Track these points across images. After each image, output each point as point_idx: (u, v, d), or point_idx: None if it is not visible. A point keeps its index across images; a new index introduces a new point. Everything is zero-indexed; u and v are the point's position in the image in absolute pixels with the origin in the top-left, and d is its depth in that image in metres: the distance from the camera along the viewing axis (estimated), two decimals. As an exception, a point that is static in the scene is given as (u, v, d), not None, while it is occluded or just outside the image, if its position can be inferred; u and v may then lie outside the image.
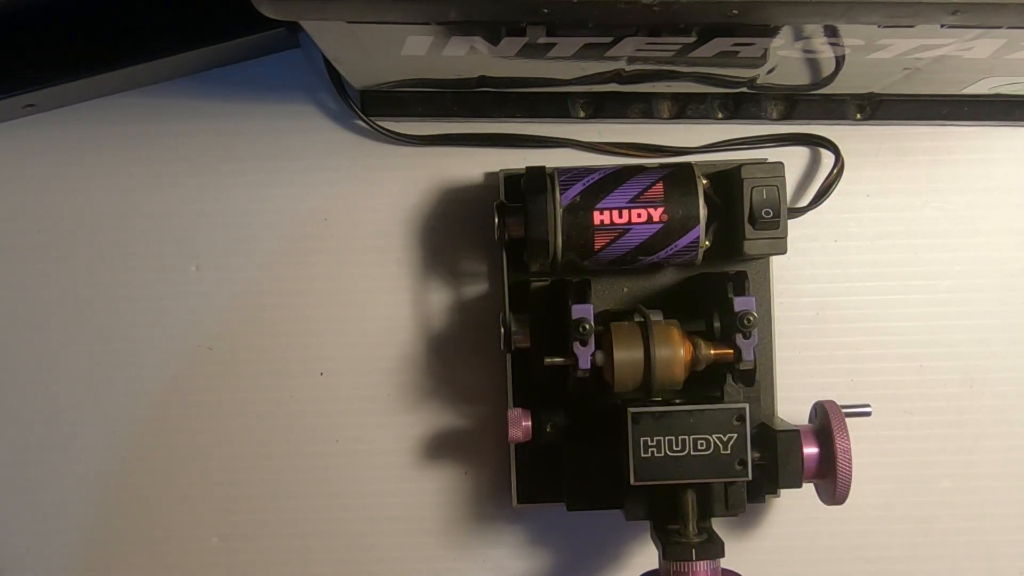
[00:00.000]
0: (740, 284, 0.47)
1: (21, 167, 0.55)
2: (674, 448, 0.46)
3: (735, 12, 0.36)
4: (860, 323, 0.55)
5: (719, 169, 0.50)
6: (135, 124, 0.55)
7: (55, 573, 0.56)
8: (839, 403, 0.50)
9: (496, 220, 0.50)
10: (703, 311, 0.49)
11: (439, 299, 0.55)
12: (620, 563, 0.56)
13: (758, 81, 0.50)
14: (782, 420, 0.53)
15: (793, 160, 0.55)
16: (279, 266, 0.55)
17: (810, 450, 0.49)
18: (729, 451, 0.46)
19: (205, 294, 0.55)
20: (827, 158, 0.55)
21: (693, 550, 0.46)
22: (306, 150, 0.55)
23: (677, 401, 0.47)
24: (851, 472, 0.48)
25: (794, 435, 0.49)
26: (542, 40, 0.41)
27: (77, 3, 0.50)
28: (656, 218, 0.48)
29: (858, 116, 0.55)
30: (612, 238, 0.48)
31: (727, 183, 0.49)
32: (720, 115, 0.54)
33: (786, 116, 0.54)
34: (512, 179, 0.52)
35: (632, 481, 0.46)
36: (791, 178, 0.55)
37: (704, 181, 0.49)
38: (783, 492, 0.54)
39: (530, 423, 0.50)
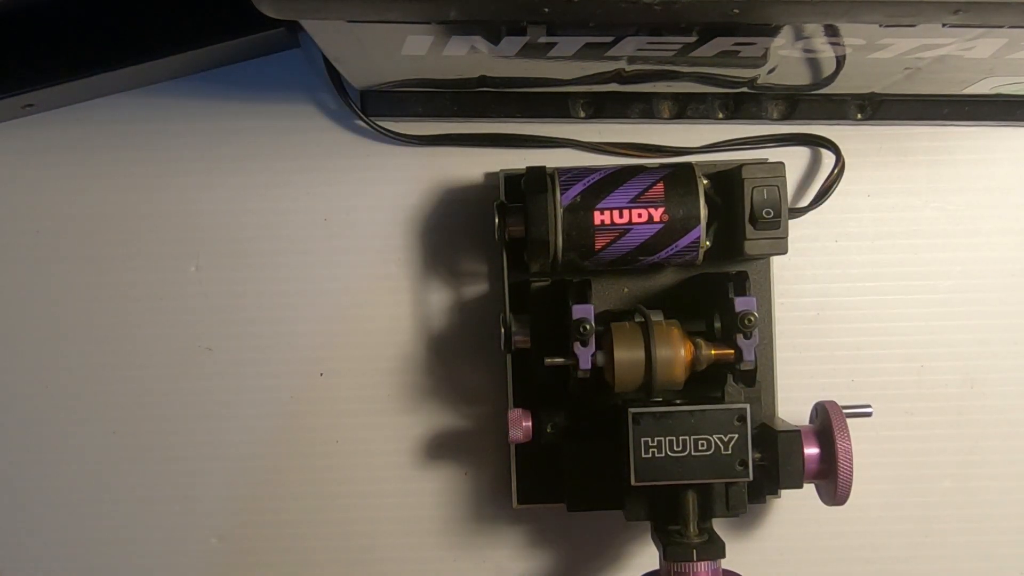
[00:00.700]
0: (741, 284, 0.47)
1: (21, 167, 0.55)
2: (675, 449, 0.46)
3: (736, 11, 0.36)
4: (861, 323, 0.55)
5: (720, 169, 0.50)
6: (135, 124, 0.55)
7: (55, 573, 0.56)
8: (840, 403, 0.50)
9: (496, 220, 0.49)
10: (704, 311, 0.49)
11: (439, 299, 0.55)
12: (621, 564, 0.56)
13: (759, 81, 0.50)
14: (783, 420, 0.53)
15: (794, 160, 0.55)
16: (278, 266, 0.55)
17: (811, 450, 0.49)
18: (730, 451, 0.46)
19: (205, 294, 0.55)
20: (828, 158, 0.55)
21: (694, 551, 0.46)
22: (306, 150, 0.55)
23: (678, 401, 0.47)
24: (852, 472, 0.48)
25: (795, 435, 0.49)
26: (542, 40, 0.41)
27: (77, 3, 0.50)
28: (657, 218, 0.48)
29: (859, 116, 0.55)
30: (613, 238, 0.48)
31: (728, 183, 0.49)
32: (721, 115, 0.54)
33: (787, 116, 0.54)
34: (512, 179, 0.52)
35: (633, 482, 0.46)
36: (792, 178, 0.55)
37: (705, 181, 0.49)
38: (784, 493, 0.54)
39: (530, 423, 0.50)
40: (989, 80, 0.49)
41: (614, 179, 0.49)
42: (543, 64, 0.46)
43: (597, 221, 0.48)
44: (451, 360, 0.55)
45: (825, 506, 0.51)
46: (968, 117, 0.54)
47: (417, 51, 0.44)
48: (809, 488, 0.51)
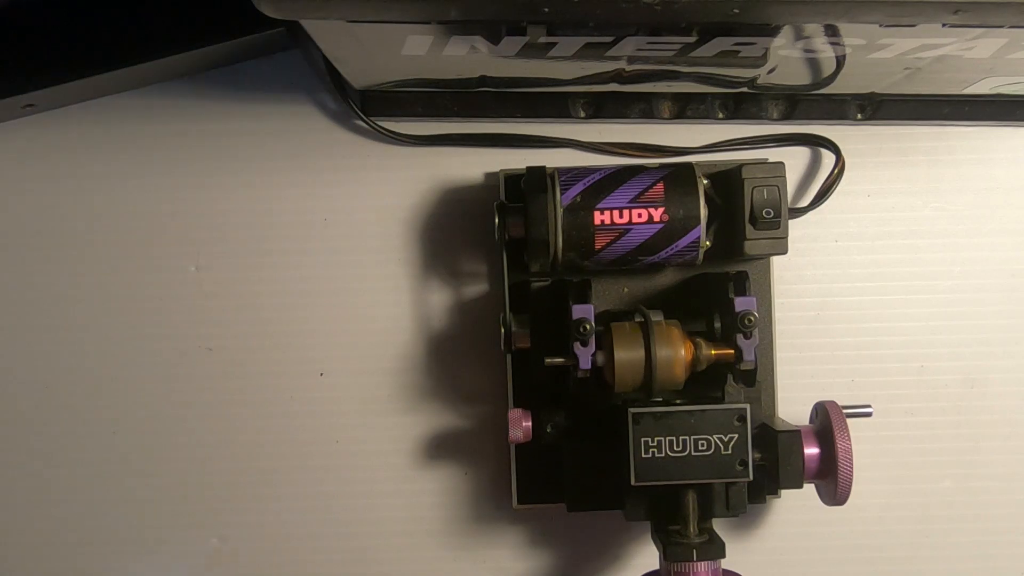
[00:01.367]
0: (741, 284, 0.47)
1: (21, 167, 0.55)
2: (675, 448, 0.46)
3: (736, 11, 0.36)
4: (861, 323, 0.55)
5: (720, 169, 0.50)
6: (135, 124, 0.55)
7: (55, 573, 0.56)
8: (840, 403, 0.50)
9: (496, 220, 0.49)
10: (704, 311, 0.49)
11: (439, 299, 0.55)
12: (620, 564, 0.56)
13: (759, 81, 0.50)
14: (783, 420, 0.53)
15: (794, 160, 0.55)
16: (279, 266, 0.55)
17: (811, 450, 0.49)
18: (730, 451, 0.46)
19: (205, 294, 0.55)
20: (828, 158, 0.55)
21: (694, 551, 0.46)
22: (306, 150, 0.55)
23: (678, 401, 0.47)
24: (852, 472, 0.48)
25: (795, 435, 0.49)
26: (542, 40, 0.41)
27: (77, 3, 0.50)
28: (657, 218, 0.48)
29: (859, 116, 0.55)
30: (613, 238, 0.48)
31: (728, 183, 0.49)
32: (721, 115, 0.54)
33: (787, 116, 0.54)
34: (512, 179, 0.52)
35: (633, 482, 0.46)
36: (792, 178, 0.55)
37: (705, 181, 0.49)
38: (784, 493, 0.54)
39: (530, 424, 0.50)
40: (989, 80, 0.49)
41: (614, 179, 0.49)
42: (543, 64, 0.46)
43: (597, 221, 0.48)
44: (451, 360, 0.55)
45: (825, 506, 0.51)
46: (968, 117, 0.54)
47: (417, 51, 0.44)
48: (809, 488, 0.51)
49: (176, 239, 0.55)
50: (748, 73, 0.49)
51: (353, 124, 0.55)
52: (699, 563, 0.46)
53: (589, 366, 0.46)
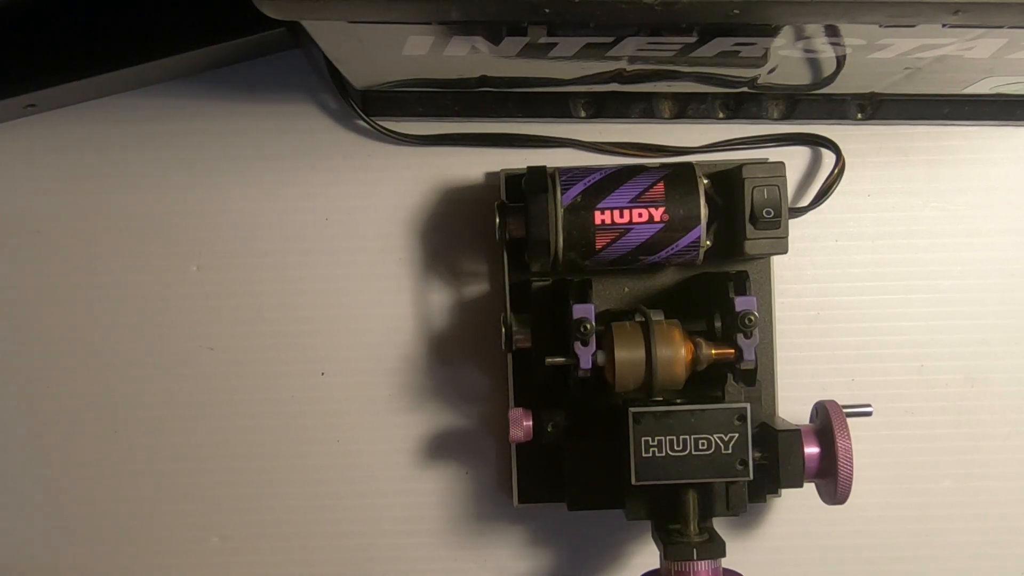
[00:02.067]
0: (741, 284, 0.47)
1: (21, 167, 0.55)
2: (675, 448, 0.46)
3: (736, 12, 0.36)
4: (861, 323, 0.55)
5: (720, 169, 0.50)
6: (135, 124, 0.55)
7: (55, 572, 0.56)
8: (840, 403, 0.50)
9: (497, 220, 0.49)
10: (704, 311, 0.49)
11: (440, 299, 0.55)
12: (621, 563, 0.56)
13: (759, 81, 0.50)
14: (783, 420, 0.53)
15: (794, 160, 0.55)
16: (279, 266, 0.55)
17: (811, 450, 0.49)
18: (730, 451, 0.46)
19: (205, 294, 0.55)
20: (828, 158, 0.55)
21: (694, 550, 0.46)
22: (306, 150, 0.55)
23: (678, 401, 0.47)
24: (852, 472, 0.48)
25: (795, 435, 0.49)
26: (543, 40, 0.41)
27: (78, 3, 0.50)
28: (657, 218, 0.48)
29: (859, 116, 0.55)
30: (613, 238, 0.48)
31: (728, 183, 0.49)
32: (721, 115, 0.54)
33: (787, 116, 0.54)
34: (513, 179, 0.52)
35: (633, 481, 0.46)
36: (792, 178, 0.55)
37: (705, 181, 0.49)
38: (784, 492, 0.54)
39: (531, 423, 0.50)
40: (989, 80, 0.49)
41: (614, 179, 0.49)
42: (544, 64, 0.46)
43: (598, 221, 0.48)
44: (452, 360, 0.55)
45: (825, 506, 0.51)
46: (968, 117, 0.54)
47: (418, 51, 0.44)
48: (809, 488, 0.51)
49: (177, 239, 0.55)
50: (748, 73, 0.49)
51: (354, 124, 0.55)
52: (699, 562, 0.46)
53: (590, 366, 0.46)
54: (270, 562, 0.56)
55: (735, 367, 0.47)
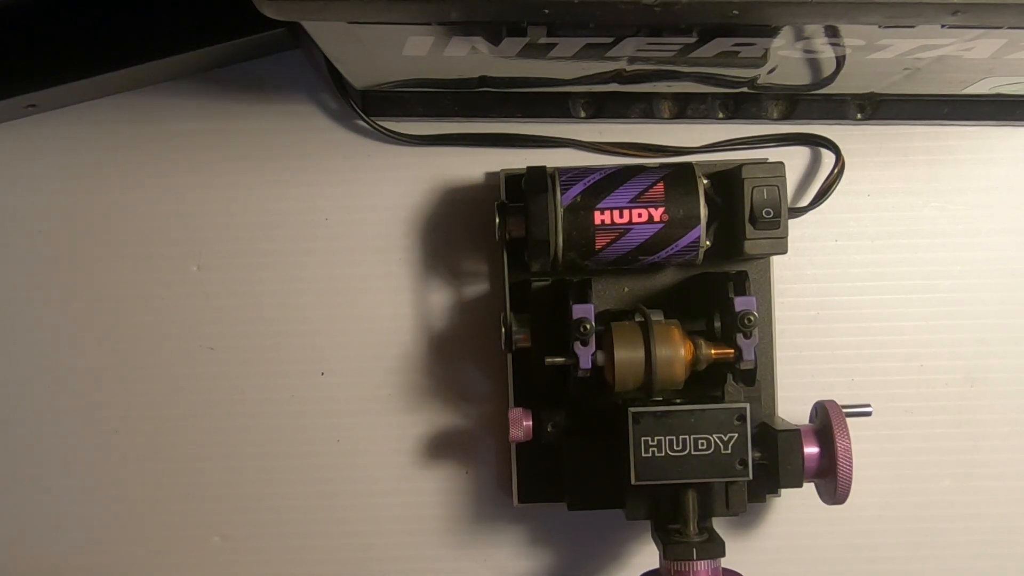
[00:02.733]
0: (741, 284, 0.47)
1: (22, 167, 0.55)
2: (675, 448, 0.46)
3: (735, 12, 0.36)
4: (861, 323, 0.55)
5: (720, 169, 0.50)
6: (135, 124, 0.55)
7: (55, 572, 0.56)
8: (840, 403, 0.50)
9: (497, 220, 0.50)
10: (704, 311, 0.49)
11: (440, 299, 0.55)
12: (621, 563, 0.56)
13: (759, 81, 0.50)
14: (783, 420, 0.53)
15: (794, 160, 0.55)
16: (279, 266, 0.55)
17: (811, 450, 0.49)
18: (730, 451, 0.46)
19: (206, 294, 0.55)
20: (828, 158, 0.55)
21: (694, 550, 0.46)
22: (307, 150, 0.55)
23: (678, 401, 0.47)
24: (852, 472, 0.48)
25: (795, 435, 0.49)
26: (543, 40, 0.41)
27: (78, 3, 0.50)
28: (657, 218, 0.48)
29: (859, 116, 0.55)
30: (613, 238, 0.48)
31: (728, 183, 0.49)
32: (721, 115, 0.54)
33: (787, 116, 0.54)
34: (513, 179, 0.52)
35: (633, 481, 0.46)
36: (792, 178, 0.55)
37: (705, 181, 0.49)
38: (784, 492, 0.54)
39: (531, 423, 0.50)
40: (989, 80, 0.49)
41: (614, 179, 0.49)
42: (543, 64, 0.46)
43: (597, 221, 0.48)
44: (452, 360, 0.55)
45: (825, 505, 0.51)
46: (968, 117, 0.54)
47: (418, 52, 0.44)
48: (809, 487, 0.51)
49: (178, 239, 0.55)
50: (748, 73, 0.49)
51: (354, 124, 0.55)
52: (699, 562, 0.46)
53: (589, 365, 0.46)
54: (270, 562, 0.56)
55: (735, 367, 0.47)
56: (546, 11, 0.36)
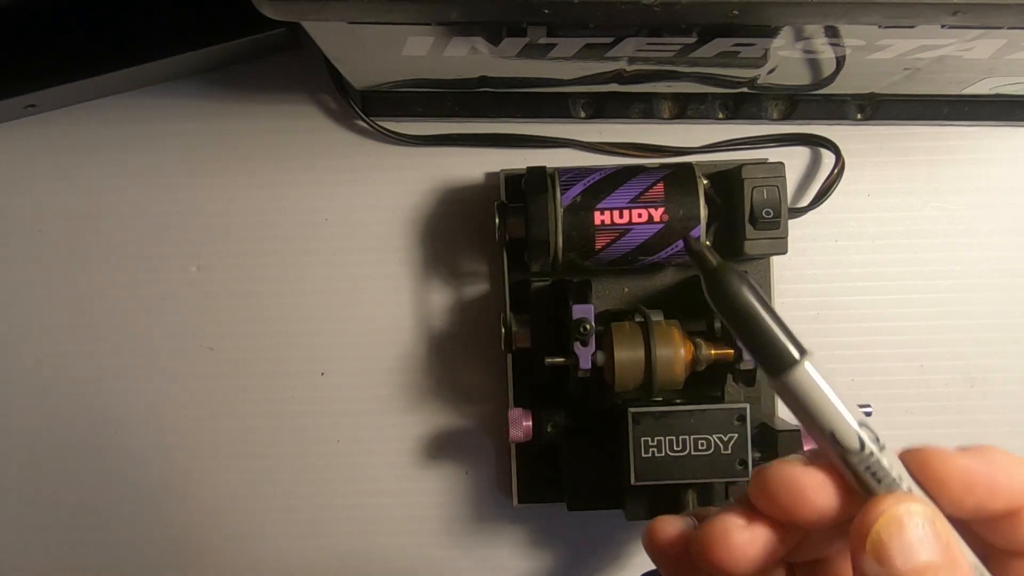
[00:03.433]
0: (741, 284, 0.47)
1: (21, 167, 0.55)
2: (675, 448, 0.46)
3: (735, 13, 0.36)
4: (861, 323, 0.55)
5: (720, 169, 0.50)
6: (135, 124, 0.55)
7: (55, 573, 0.56)
8: (840, 403, 0.50)
9: (497, 220, 0.50)
10: (704, 311, 0.49)
11: (440, 299, 0.55)
12: (620, 563, 0.56)
13: (759, 81, 0.50)
14: (783, 420, 0.53)
15: (794, 160, 0.55)
16: (279, 266, 0.55)
17: (811, 450, 0.49)
18: (730, 451, 0.46)
19: (206, 294, 0.55)
20: (828, 158, 0.55)
21: (694, 550, 0.46)
22: (307, 150, 0.55)
23: (678, 401, 0.47)
24: (851, 472, 0.48)
25: (795, 435, 0.49)
26: (543, 40, 0.41)
27: (78, 3, 0.50)
28: (657, 218, 0.48)
29: (859, 116, 0.55)
30: (613, 238, 0.48)
31: (728, 183, 0.49)
32: (721, 115, 0.54)
33: (787, 116, 0.55)
34: (513, 179, 0.52)
35: (633, 481, 0.46)
36: (792, 178, 0.55)
37: (705, 181, 0.49)
38: (783, 492, 0.54)
39: (531, 423, 0.50)
40: (989, 80, 0.49)
41: (614, 179, 0.49)
42: (543, 64, 0.46)
43: (597, 221, 0.48)
44: (451, 360, 0.55)
45: (825, 505, 0.51)
46: (968, 117, 0.54)
47: (418, 52, 0.44)
48: (809, 488, 0.51)
49: (177, 239, 0.55)
50: (748, 73, 0.49)
51: (354, 124, 0.55)
52: (699, 562, 0.46)
53: (589, 366, 0.46)
54: (270, 562, 0.56)
55: (735, 367, 0.47)
56: (546, 11, 0.36)
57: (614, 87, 0.52)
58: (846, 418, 0.28)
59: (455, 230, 0.55)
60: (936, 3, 0.35)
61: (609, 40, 0.42)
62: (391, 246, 0.55)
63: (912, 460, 0.29)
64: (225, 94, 0.55)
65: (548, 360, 0.48)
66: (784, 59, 0.45)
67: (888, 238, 0.55)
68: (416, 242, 0.55)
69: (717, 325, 0.48)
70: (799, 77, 0.50)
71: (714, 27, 0.40)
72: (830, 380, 0.28)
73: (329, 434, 0.55)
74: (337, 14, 0.37)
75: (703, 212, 0.48)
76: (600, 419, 0.49)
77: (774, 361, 0.28)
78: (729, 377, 0.49)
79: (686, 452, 0.46)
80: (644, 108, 0.54)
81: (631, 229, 0.48)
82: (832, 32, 0.41)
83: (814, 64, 0.47)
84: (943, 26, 0.37)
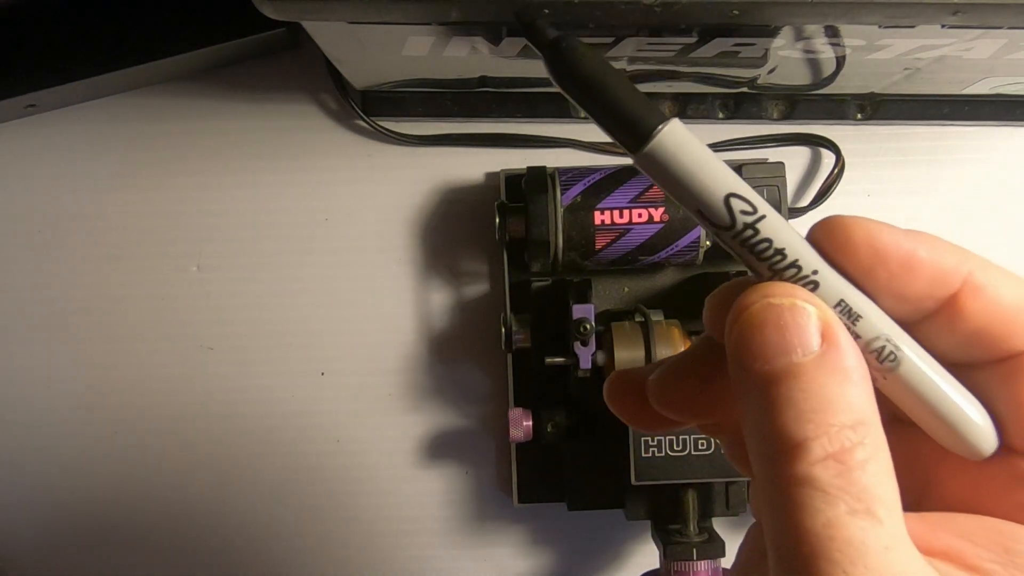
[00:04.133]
0: (741, 284, 0.47)
1: (22, 167, 0.55)
2: (675, 448, 0.46)
3: (736, 12, 0.36)
4: (860, 323, 0.55)
5: (720, 169, 0.50)
6: (135, 124, 0.55)
7: (56, 572, 0.56)
8: (839, 403, 0.50)
9: (497, 220, 0.50)
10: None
11: (440, 299, 0.55)
12: (621, 563, 0.56)
13: (759, 81, 0.50)
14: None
15: (794, 160, 0.55)
16: (279, 266, 0.55)
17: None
18: (730, 451, 0.46)
19: (206, 294, 0.55)
20: (828, 158, 0.55)
21: (694, 550, 0.46)
22: (306, 150, 0.55)
23: (678, 401, 0.47)
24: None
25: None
26: (543, 40, 0.41)
27: (78, 3, 0.50)
28: (657, 218, 0.48)
29: (859, 116, 0.55)
30: (613, 238, 0.48)
31: (728, 183, 0.49)
32: (721, 115, 0.54)
33: (787, 116, 0.54)
34: (513, 179, 0.52)
35: (633, 481, 0.46)
36: (792, 178, 0.55)
37: (705, 181, 0.49)
38: (783, 492, 0.54)
39: (531, 423, 0.50)
40: (989, 80, 0.49)
41: (614, 179, 0.49)
42: (543, 64, 0.46)
43: (597, 221, 0.48)
44: (452, 360, 0.55)
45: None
46: (968, 117, 0.54)
47: (418, 52, 0.44)
48: (809, 487, 0.51)
49: (177, 239, 0.55)
50: (748, 73, 0.49)
51: (354, 124, 0.55)
52: (699, 562, 0.46)
53: (589, 366, 0.46)
54: (270, 562, 0.56)
55: (735, 367, 0.47)
56: (546, 11, 0.36)
57: (614, 87, 0.52)
58: (711, 188, 0.23)
59: (455, 230, 0.55)
60: (936, 3, 0.35)
61: (609, 40, 0.42)
62: (391, 246, 0.55)
63: (819, 232, 0.23)
64: (225, 94, 0.55)
65: (548, 360, 0.48)
66: (784, 59, 0.45)
67: (888, 238, 0.55)
68: (416, 242, 0.55)
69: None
70: (799, 77, 0.50)
71: (714, 27, 0.40)
72: (698, 148, 0.24)
73: (329, 433, 0.55)
74: (337, 14, 0.37)
75: (703, 212, 0.48)
76: (600, 419, 0.49)
77: (631, 136, 0.24)
78: (729, 377, 0.49)
79: (686, 452, 0.46)
80: (644, 108, 0.54)
81: (631, 229, 0.48)
82: (832, 32, 0.41)
83: (814, 64, 0.47)
84: (943, 26, 0.37)
